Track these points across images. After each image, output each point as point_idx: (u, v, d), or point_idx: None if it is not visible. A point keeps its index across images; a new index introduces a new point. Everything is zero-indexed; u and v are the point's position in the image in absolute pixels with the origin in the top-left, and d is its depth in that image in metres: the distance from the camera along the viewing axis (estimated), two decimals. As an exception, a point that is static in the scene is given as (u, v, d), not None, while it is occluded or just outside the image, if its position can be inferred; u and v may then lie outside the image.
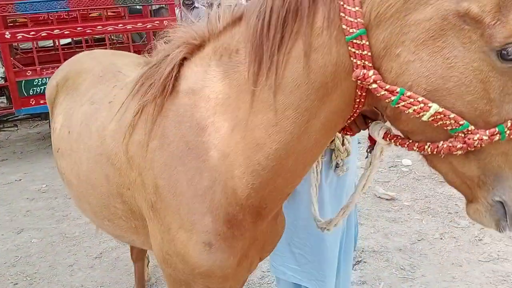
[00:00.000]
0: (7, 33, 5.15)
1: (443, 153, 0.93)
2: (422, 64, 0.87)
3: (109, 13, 6.59)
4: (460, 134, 0.90)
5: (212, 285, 1.32)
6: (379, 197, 4.07)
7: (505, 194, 0.94)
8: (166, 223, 1.25)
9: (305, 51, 0.96)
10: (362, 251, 3.24)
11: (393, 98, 0.90)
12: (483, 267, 3.01)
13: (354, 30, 0.89)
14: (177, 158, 1.19)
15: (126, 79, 1.73)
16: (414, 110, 0.89)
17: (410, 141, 1.01)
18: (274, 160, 1.09)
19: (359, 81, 0.93)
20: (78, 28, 5.37)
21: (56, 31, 5.27)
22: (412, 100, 0.89)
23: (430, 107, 0.88)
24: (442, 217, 3.70)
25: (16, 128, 6.37)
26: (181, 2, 6.79)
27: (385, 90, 0.91)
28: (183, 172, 1.19)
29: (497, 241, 3.31)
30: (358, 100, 1.00)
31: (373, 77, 0.91)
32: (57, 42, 6.16)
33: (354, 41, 0.90)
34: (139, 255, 2.66)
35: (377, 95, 0.92)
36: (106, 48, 5.87)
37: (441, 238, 3.40)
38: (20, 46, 6.55)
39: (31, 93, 5.31)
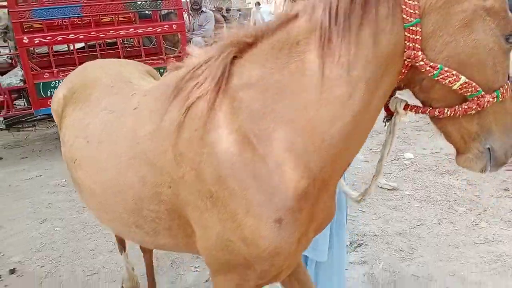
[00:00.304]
0: (25, 38, 5.44)
1: (459, 114, 1.21)
2: (457, 44, 1.15)
3: (120, 18, 6.84)
4: (475, 98, 1.18)
5: (275, 264, 1.37)
6: (381, 187, 4.26)
7: (493, 142, 1.25)
8: (230, 211, 1.30)
9: (374, 33, 1.17)
10: (364, 235, 3.44)
11: (434, 72, 1.16)
12: (478, 249, 3.19)
13: (412, 19, 1.14)
14: (236, 145, 1.28)
15: (143, 87, 1.82)
16: (449, 81, 1.16)
17: (431, 108, 1.26)
18: (347, 130, 1.24)
19: (408, 60, 1.18)
20: (92, 33, 5.63)
21: (71, 36, 5.54)
22: (448, 73, 1.16)
23: (460, 78, 1.16)
24: (441, 204, 3.89)
25: (35, 128, 6.63)
26: (189, 6, 7.02)
27: (429, 66, 1.16)
28: (248, 158, 1.28)
29: (492, 225, 3.50)
30: (400, 76, 1.24)
31: (421, 56, 1.16)
32: (71, 46, 6.45)
33: (411, 28, 1.14)
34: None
35: (422, 70, 1.18)
36: (118, 52, 6.16)
37: (439, 223, 3.58)
38: (36, 51, 6.85)
39: (48, 94, 5.57)
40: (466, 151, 1.29)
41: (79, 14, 5.52)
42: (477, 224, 3.52)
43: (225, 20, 12.11)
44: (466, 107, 1.19)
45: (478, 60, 1.16)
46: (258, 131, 1.27)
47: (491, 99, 1.19)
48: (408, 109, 1.33)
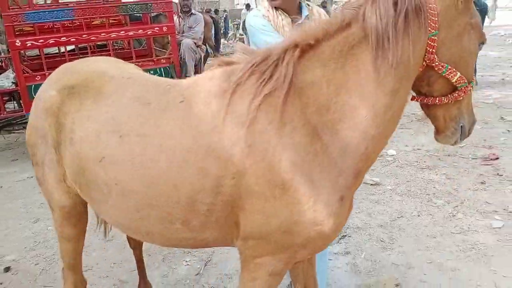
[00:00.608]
0: (17, 41, 5.53)
1: (451, 101, 1.58)
2: (456, 48, 1.52)
3: (110, 21, 6.95)
4: (463, 88, 1.56)
5: (331, 239, 1.59)
6: (365, 182, 4.44)
7: (464, 121, 1.64)
8: (300, 196, 1.45)
9: (412, 40, 1.46)
10: (347, 227, 3.61)
11: (443, 69, 1.52)
12: (454, 238, 3.38)
13: (433, 31, 1.47)
14: (307, 137, 1.47)
15: (172, 80, 1.84)
16: (451, 76, 1.53)
17: (432, 97, 1.60)
18: (395, 118, 1.56)
19: (428, 61, 1.50)
20: (84, 35, 5.74)
21: (63, 39, 5.64)
22: (450, 70, 1.52)
23: (457, 73, 1.53)
24: (420, 198, 4.08)
25: (25, 131, 6.69)
26: (179, 9, 7.15)
27: (441, 65, 1.51)
28: (318, 147, 1.48)
29: (468, 216, 3.70)
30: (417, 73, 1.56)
31: (437, 59, 1.50)
32: (62, 49, 6.54)
33: (432, 37, 1.47)
34: (136, 242, 2.80)
35: (436, 69, 1.52)
36: (109, 53, 6.27)
37: (418, 215, 3.77)
38: (26, 54, 6.92)
39: (40, 97, 5.66)
40: (445, 130, 1.66)
41: (71, 17, 5.62)
42: (454, 216, 3.72)
43: (213, 21, 12.25)
44: (456, 95, 1.57)
45: (465, 60, 1.55)
46: (324, 123, 1.50)
47: (470, 88, 1.59)
48: (414, 99, 1.67)
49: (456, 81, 1.53)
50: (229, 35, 22.58)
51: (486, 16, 11.38)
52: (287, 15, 2.36)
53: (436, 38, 1.47)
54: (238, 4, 42.14)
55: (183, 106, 1.62)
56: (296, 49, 1.53)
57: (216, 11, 20.14)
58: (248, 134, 1.47)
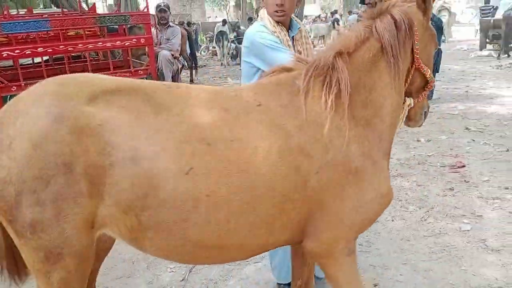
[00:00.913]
0: (-8, 51, 5.47)
1: (426, 94, 2.08)
2: (426, 53, 2.00)
3: (86, 32, 6.94)
4: (431, 81, 2.05)
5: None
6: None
7: (426, 107, 2.18)
8: (369, 177, 1.76)
9: (409, 50, 1.92)
10: (326, 233, 3.75)
11: (424, 68, 1.98)
12: (427, 241, 3.57)
13: (417, 42, 1.91)
14: (362, 129, 1.79)
15: (240, 90, 1.86)
16: (427, 73, 2.00)
17: (416, 94, 2.08)
18: (399, 113, 2.01)
19: (416, 65, 1.95)
20: (61, 46, 5.72)
21: (40, 49, 5.61)
22: (426, 69, 1.98)
23: (428, 70, 2.00)
24: (393, 204, 4.25)
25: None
26: (157, 21, 7.21)
27: (423, 68, 1.97)
28: (369, 136, 1.80)
29: (439, 220, 3.91)
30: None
31: (421, 62, 1.96)
32: (36, 60, 6.48)
33: (417, 47, 1.92)
34: None
35: (420, 69, 1.97)
36: (85, 65, 6.27)
37: (392, 220, 3.96)
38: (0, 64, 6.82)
39: (16, 107, 5.59)
40: (415, 117, 2.15)
41: (47, 28, 5.61)
42: (426, 220, 3.92)
43: (188, 34, 12.36)
44: (429, 86, 2.06)
45: (430, 61, 2.05)
46: (365, 117, 1.82)
47: (434, 83, 2.08)
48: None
49: (428, 76, 2.01)
50: (201, 47, 22.69)
51: (444, 31, 12.06)
52: (285, 30, 2.47)
53: (418, 47, 1.93)
54: (209, 17, 42.52)
55: (263, 109, 1.70)
56: (342, 56, 1.82)
57: (189, 24, 20.22)
58: (328, 131, 1.69)
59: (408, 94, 2.05)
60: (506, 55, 14.86)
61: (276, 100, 1.74)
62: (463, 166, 5.16)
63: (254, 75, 2.50)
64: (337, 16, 22.43)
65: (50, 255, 1.54)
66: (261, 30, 2.40)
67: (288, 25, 2.51)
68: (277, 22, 2.42)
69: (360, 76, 1.83)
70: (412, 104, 2.07)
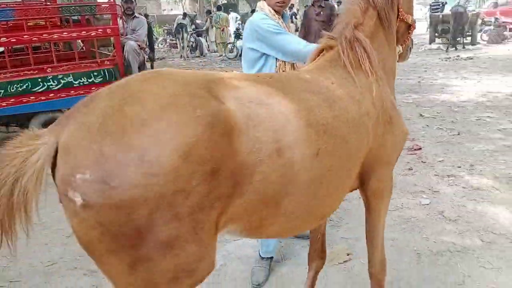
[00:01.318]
0: (-48, 41, 5.29)
1: (410, 36, 2.45)
2: (407, 3, 2.32)
3: (47, 22, 6.78)
4: (413, 24, 2.38)
5: None
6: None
7: (411, 45, 2.62)
8: (397, 122, 2.09)
9: (397, 7, 2.26)
10: (300, 211, 3.98)
11: (407, 17, 2.32)
12: (392, 214, 3.88)
13: (401, 3, 2.28)
14: (387, 83, 2.17)
15: (305, 74, 1.99)
16: (410, 20, 2.33)
17: (402, 38, 2.42)
18: (396, 65, 2.40)
19: (401, 16, 2.29)
20: (25, 36, 5.60)
21: (3, 39, 5.47)
22: (407, 15, 2.32)
23: (410, 17, 2.34)
24: (360, 183, 4.57)
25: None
26: (123, 11, 7.14)
27: (406, 17, 2.31)
28: (390, 87, 2.22)
29: (401, 196, 4.24)
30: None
31: (404, 13, 2.30)
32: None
33: (400, 1, 2.27)
34: None
35: (405, 20, 2.31)
36: (49, 55, 6.14)
37: (359, 198, 4.18)
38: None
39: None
40: (404, 56, 2.52)
41: (11, 17, 5.48)
42: (390, 197, 4.24)
43: (148, 26, 12.20)
44: (412, 28, 2.39)
45: (410, 8, 2.36)
46: (384, 75, 2.17)
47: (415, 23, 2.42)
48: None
49: (411, 21, 2.35)
50: (158, 40, 22.41)
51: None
52: (281, 18, 2.73)
53: (401, 2, 2.29)
54: (165, 10, 41.78)
55: (336, 87, 1.90)
56: (358, 28, 2.13)
57: (146, 16, 19.88)
58: (375, 92, 2.01)
59: (396, 41, 2.35)
60: (454, 48, 15.80)
61: (339, 76, 1.99)
62: (420, 148, 5.57)
63: (257, 60, 2.74)
64: (294, 10, 22.82)
65: (181, 274, 1.34)
66: (263, 17, 2.65)
67: (282, 15, 2.75)
68: (276, 12, 2.65)
69: (372, 42, 2.13)
70: (402, 50, 2.44)
